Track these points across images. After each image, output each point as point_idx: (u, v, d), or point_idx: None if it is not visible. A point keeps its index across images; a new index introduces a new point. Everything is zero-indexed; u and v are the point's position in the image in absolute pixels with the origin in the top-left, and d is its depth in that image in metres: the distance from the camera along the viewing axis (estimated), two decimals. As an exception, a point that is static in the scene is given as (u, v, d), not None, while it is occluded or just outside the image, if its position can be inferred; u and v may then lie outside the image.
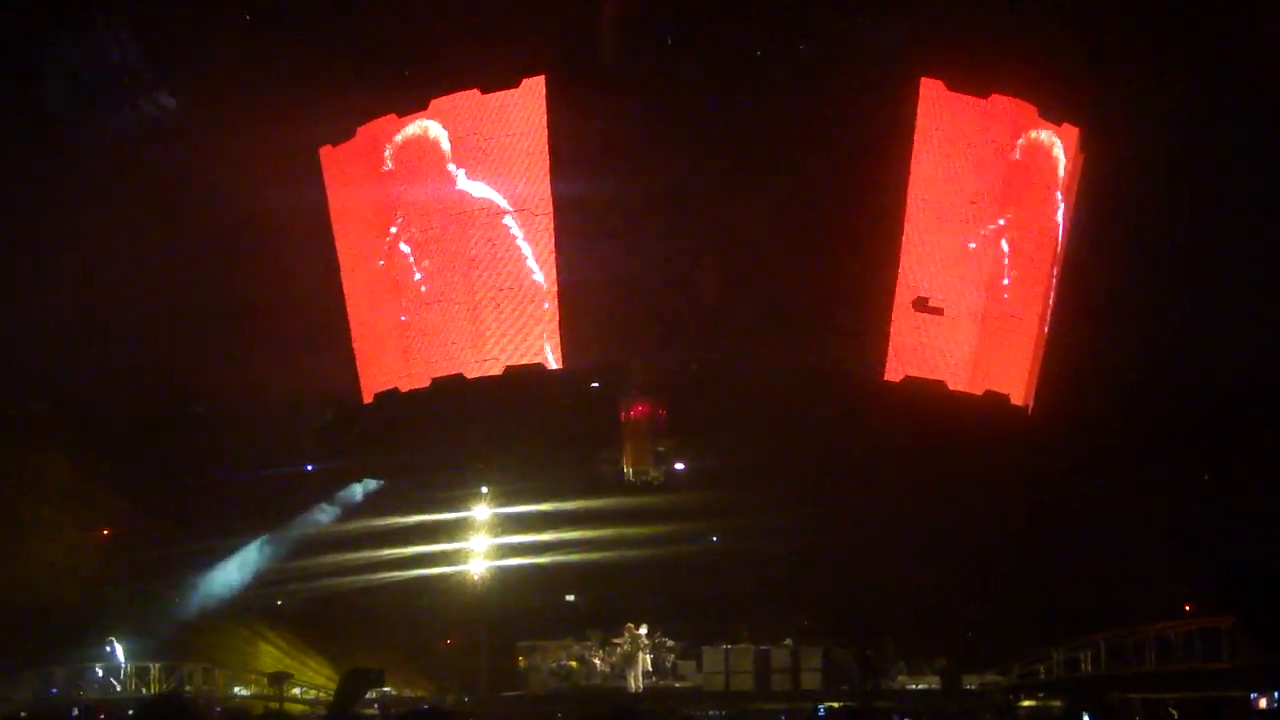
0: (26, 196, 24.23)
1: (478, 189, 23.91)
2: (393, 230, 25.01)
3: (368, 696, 21.32)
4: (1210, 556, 24.41)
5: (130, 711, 21.48)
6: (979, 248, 24.43)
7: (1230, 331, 24.80)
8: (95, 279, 26.31)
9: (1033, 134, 24.79)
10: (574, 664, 28.59)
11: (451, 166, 24.01)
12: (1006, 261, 24.91)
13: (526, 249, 23.87)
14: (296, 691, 29.13)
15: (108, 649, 28.39)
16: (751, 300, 24.20)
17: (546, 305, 23.91)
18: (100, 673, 27.69)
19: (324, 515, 31.43)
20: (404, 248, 24.99)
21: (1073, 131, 25.17)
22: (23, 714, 24.18)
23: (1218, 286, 25.17)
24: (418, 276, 24.91)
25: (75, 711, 25.02)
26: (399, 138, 24.51)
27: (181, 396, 27.97)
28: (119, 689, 27.17)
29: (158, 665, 27.66)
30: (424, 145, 24.22)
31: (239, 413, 27.94)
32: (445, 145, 24.04)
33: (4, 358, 25.99)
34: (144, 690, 26.71)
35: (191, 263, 26.18)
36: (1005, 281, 24.97)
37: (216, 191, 24.90)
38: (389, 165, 24.76)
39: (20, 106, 23.42)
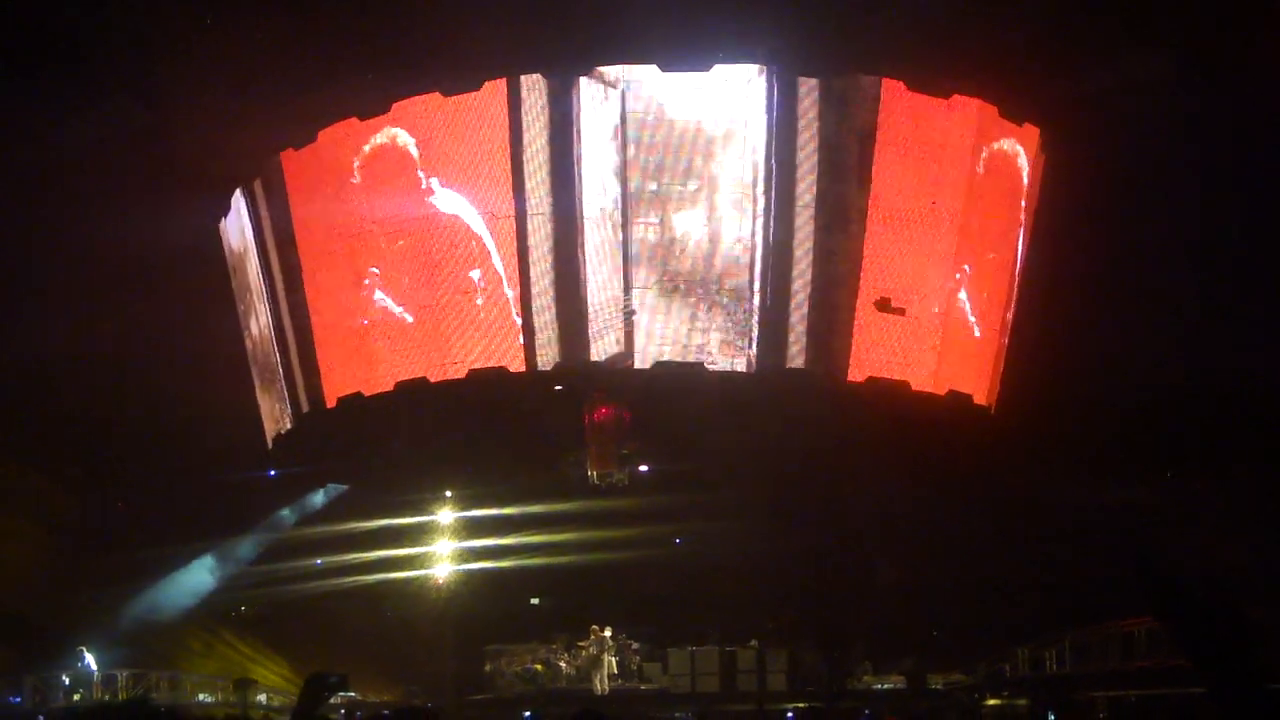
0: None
1: (448, 196, 23.85)
2: (372, 237, 24.77)
3: (332, 701, 21.21)
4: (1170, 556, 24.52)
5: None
6: (943, 249, 24.48)
7: (1192, 331, 25.00)
8: (53, 281, 26.22)
9: (995, 145, 24.84)
10: (539, 667, 28.56)
11: (422, 174, 23.91)
12: (970, 266, 24.97)
13: (490, 252, 23.80)
14: (261, 698, 28.98)
15: (79, 659, 28.21)
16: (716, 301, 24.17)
17: (510, 308, 23.84)
18: (68, 681, 27.47)
19: (287, 520, 31.32)
20: (376, 256, 24.84)
21: (1033, 132, 25.27)
22: None
23: (1180, 287, 25.35)
24: (387, 281, 24.79)
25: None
26: (367, 148, 24.37)
27: (142, 401, 27.71)
28: (77, 697, 26.93)
29: (125, 673, 27.47)
30: (393, 154, 24.11)
31: (201, 417, 27.80)
32: (414, 152, 23.94)
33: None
34: (106, 699, 26.51)
35: (151, 266, 26.06)
36: (970, 287, 25.02)
37: (174, 195, 24.85)
38: (356, 178, 24.62)
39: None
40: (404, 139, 23.99)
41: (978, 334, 25.40)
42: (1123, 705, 23.37)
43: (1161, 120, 23.26)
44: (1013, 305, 25.99)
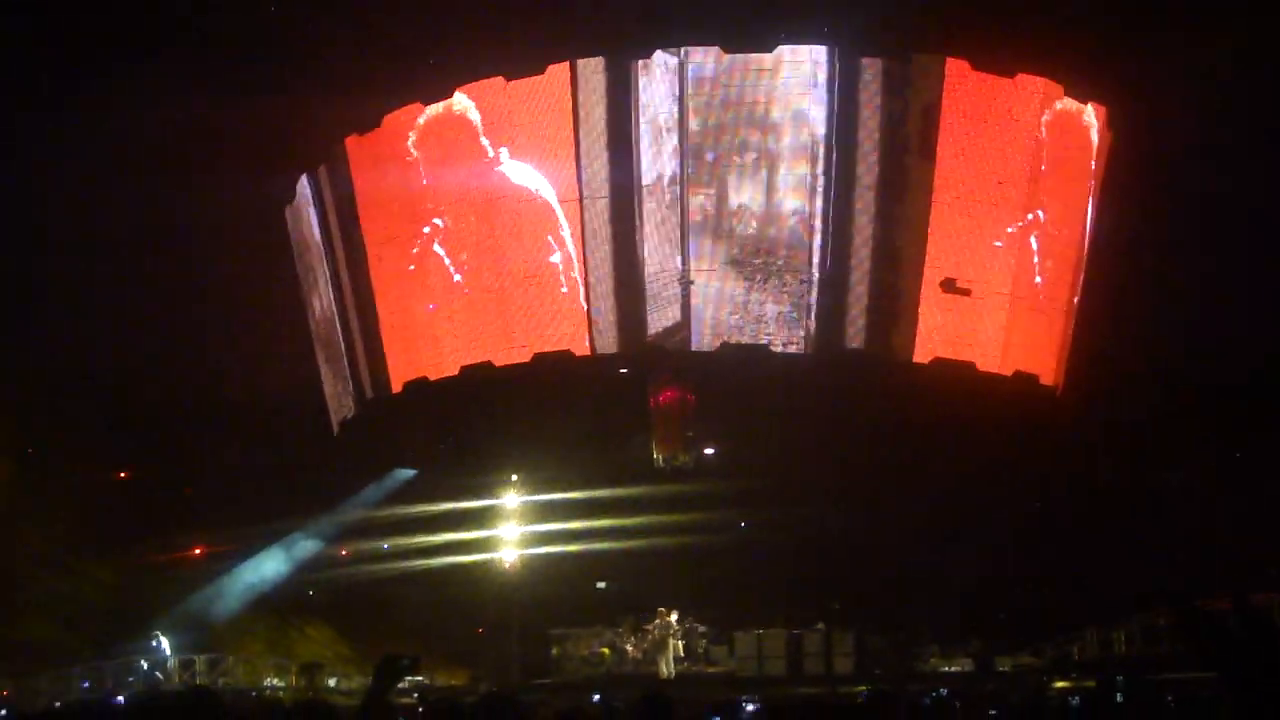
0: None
1: (518, 169, 23.94)
2: (436, 221, 24.97)
3: (402, 685, 21.32)
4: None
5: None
6: (1009, 228, 24.30)
7: (1260, 314, 24.70)
8: (126, 273, 26.61)
9: (1062, 124, 24.54)
10: (605, 651, 28.56)
11: (486, 142, 24.01)
12: (1036, 245, 24.75)
13: (551, 235, 23.89)
14: (331, 682, 29.20)
15: (153, 643, 28.51)
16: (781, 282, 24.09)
17: (572, 290, 23.92)
18: (145, 665, 27.74)
19: (356, 506, 31.54)
20: (440, 240, 24.97)
21: (1100, 110, 25.01)
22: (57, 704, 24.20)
23: (1250, 267, 25.04)
24: (451, 265, 24.93)
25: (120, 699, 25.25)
26: (421, 120, 24.54)
27: (214, 390, 28.05)
28: (142, 682, 27.22)
29: (202, 657, 27.77)
30: (453, 123, 24.25)
31: (271, 404, 28.11)
32: (475, 118, 24.05)
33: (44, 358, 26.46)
34: (178, 684, 26.75)
35: (222, 256, 26.42)
36: (1036, 267, 24.82)
37: (241, 184, 25.16)
38: (413, 154, 24.77)
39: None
40: (463, 104, 24.16)
41: (1044, 314, 25.18)
42: (1192, 688, 23.07)
43: (1234, 98, 22.98)
44: (1080, 285, 25.75)
